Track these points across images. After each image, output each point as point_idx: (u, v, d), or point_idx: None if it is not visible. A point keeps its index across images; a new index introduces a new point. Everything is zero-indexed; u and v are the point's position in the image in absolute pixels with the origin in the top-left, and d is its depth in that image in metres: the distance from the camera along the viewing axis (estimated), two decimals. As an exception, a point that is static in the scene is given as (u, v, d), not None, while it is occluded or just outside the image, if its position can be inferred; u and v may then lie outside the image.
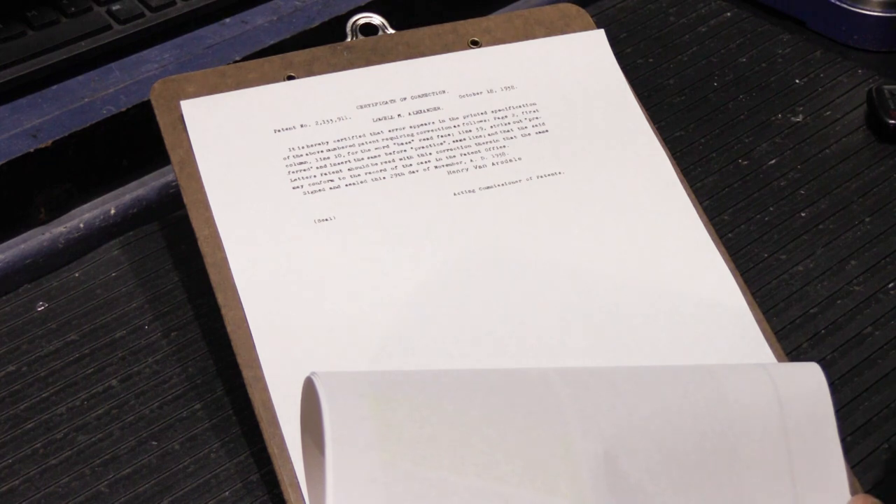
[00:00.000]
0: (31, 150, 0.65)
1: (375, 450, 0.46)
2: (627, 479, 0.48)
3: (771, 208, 0.70)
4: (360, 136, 0.63)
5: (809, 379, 0.52)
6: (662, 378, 0.52)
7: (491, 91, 0.66)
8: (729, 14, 0.83)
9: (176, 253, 0.67)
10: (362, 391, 0.47)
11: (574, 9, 0.70)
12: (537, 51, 0.68)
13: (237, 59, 0.71)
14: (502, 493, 0.47)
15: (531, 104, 0.66)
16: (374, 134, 0.63)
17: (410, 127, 0.64)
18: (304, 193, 0.61)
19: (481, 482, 0.46)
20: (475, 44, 0.68)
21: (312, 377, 0.48)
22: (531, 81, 0.67)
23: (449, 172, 0.63)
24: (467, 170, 0.63)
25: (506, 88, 0.66)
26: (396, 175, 0.62)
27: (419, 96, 0.65)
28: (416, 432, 0.47)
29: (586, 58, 0.68)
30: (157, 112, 0.62)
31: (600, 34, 0.69)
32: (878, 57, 0.80)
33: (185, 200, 0.60)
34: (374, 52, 0.67)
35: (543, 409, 0.49)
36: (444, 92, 0.65)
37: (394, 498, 0.45)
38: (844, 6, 0.80)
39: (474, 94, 0.66)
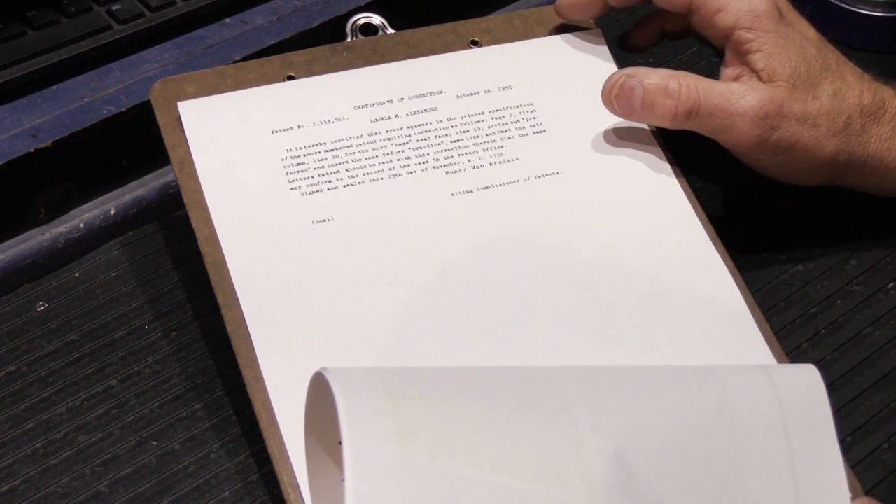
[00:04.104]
0: (31, 150, 0.65)
1: (392, 444, 0.46)
2: (637, 478, 0.49)
3: (771, 208, 0.70)
4: (357, 137, 0.63)
5: (807, 381, 0.53)
6: (666, 378, 0.52)
7: (488, 91, 0.66)
8: (729, 14, 0.82)
9: (176, 253, 0.67)
10: (375, 386, 0.47)
11: (574, 9, 0.70)
12: (535, 50, 0.68)
13: (237, 59, 0.71)
14: (517, 489, 0.47)
15: (528, 104, 0.66)
16: (372, 134, 0.63)
17: (408, 127, 0.64)
18: (302, 194, 0.61)
19: (496, 478, 0.46)
20: (475, 44, 0.68)
21: (324, 372, 0.47)
22: (528, 81, 0.67)
23: (447, 173, 0.63)
24: (465, 170, 0.63)
25: (503, 88, 0.66)
26: (394, 176, 0.62)
27: (416, 96, 0.65)
28: (430, 427, 0.47)
29: (584, 56, 0.69)
30: (156, 112, 0.62)
31: (597, 33, 0.70)
32: (878, 57, 0.79)
33: (185, 200, 0.60)
34: (374, 52, 0.67)
35: (553, 406, 0.49)
36: (441, 92, 0.65)
37: (412, 492, 0.45)
38: (844, 6, 0.80)
39: (472, 94, 0.66)
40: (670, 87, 0.62)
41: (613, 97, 0.63)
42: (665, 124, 0.63)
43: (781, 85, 0.62)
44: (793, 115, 0.62)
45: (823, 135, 0.62)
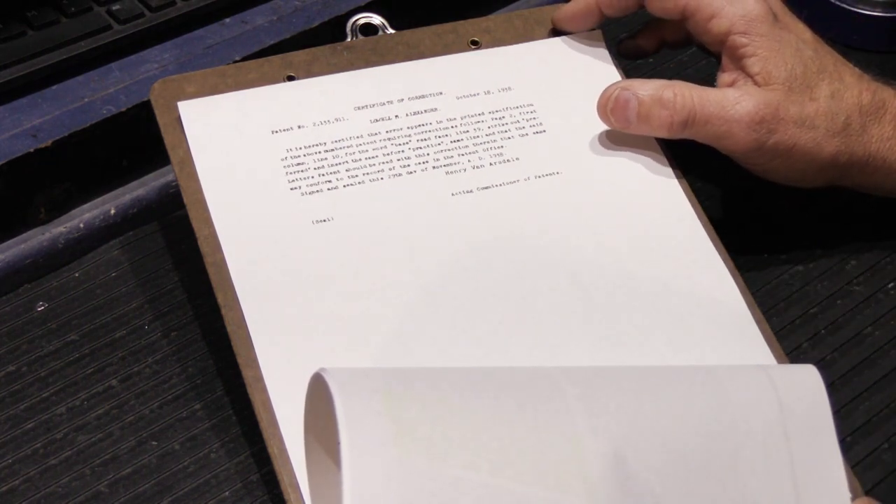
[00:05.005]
0: (31, 150, 0.66)
1: (390, 446, 0.46)
2: (636, 479, 0.48)
3: (771, 208, 0.70)
4: (357, 137, 0.63)
5: (807, 381, 0.53)
6: (666, 379, 0.52)
7: (488, 92, 0.66)
8: (729, 14, 0.82)
9: (176, 253, 0.67)
10: (374, 387, 0.47)
11: (574, 9, 0.70)
12: (535, 51, 0.68)
13: (237, 59, 0.71)
14: (516, 492, 0.47)
15: (528, 104, 0.66)
16: (372, 135, 0.63)
17: (408, 128, 0.64)
18: (302, 194, 0.61)
19: (495, 480, 0.46)
20: (475, 44, 0.68)
21: (322, 373, 0.47)
22: (529, 82, 0.67)
23: (447, 173, 0.63)
24: (465, 170, 0.63)
25: (503, 89, 0.66)
26: (394, 176, 0.62)
27: (416, 97, 0.65)
28: (428, 429, 0.47)
29: (584, 57, 0.69)
30: (156, 112, 0.62)
31: (597, 34, 0.70)
32: (877, 57, 0.79)
33: (185, 200, 0.60)
34: (374, 52, 0.67)
35: (551, 408, 0.49)
36: (441, 93, 0.65)
37: (410, 494, 0.45)
38: (844, 6, 0.80)
39: (472, 95, 0.66)
40: (665, 98, 0.62)
41: (609, 110, 0.64)
42: (662, 134, 0.63)
43: (777, 88, 0.62)
44: (789, 118, 0.62)
45: (822, 136, 0.62)
